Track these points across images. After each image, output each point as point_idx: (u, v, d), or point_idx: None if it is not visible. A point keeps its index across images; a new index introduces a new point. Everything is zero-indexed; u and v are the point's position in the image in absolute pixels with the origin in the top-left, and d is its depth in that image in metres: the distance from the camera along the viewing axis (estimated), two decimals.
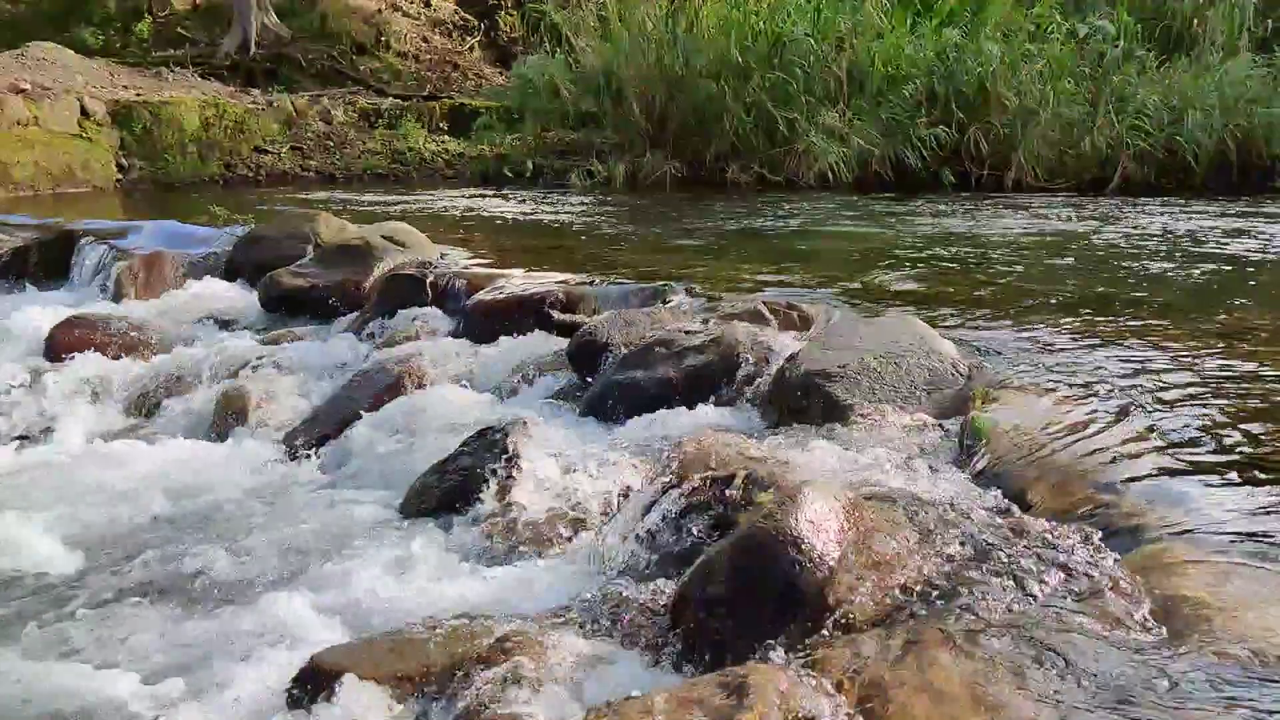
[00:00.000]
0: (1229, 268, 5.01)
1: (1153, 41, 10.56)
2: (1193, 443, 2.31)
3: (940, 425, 2.68)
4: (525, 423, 2.94)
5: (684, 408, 3.09)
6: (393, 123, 12.39)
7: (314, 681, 1.80)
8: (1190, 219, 6.94)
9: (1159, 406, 2.56)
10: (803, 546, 1.78)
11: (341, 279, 4.97)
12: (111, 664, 2.14)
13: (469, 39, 15.56)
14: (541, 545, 2.46)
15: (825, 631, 1.70)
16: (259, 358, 4.32)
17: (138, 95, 12.04)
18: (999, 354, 3.23)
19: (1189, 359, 3.05)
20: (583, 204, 8.69)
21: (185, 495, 3.13)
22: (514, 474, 2.73)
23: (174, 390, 4.12)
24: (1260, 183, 9.01)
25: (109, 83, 12.36)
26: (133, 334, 4.62)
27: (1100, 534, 1.92)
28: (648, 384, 3.22)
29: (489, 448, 2.84)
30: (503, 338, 4.01)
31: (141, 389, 4.18)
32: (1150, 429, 2.40)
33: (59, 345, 4.52)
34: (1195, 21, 10.68)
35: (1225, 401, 2.60)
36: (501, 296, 4.33)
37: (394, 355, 3.94)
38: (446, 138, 12.32)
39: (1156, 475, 2.15)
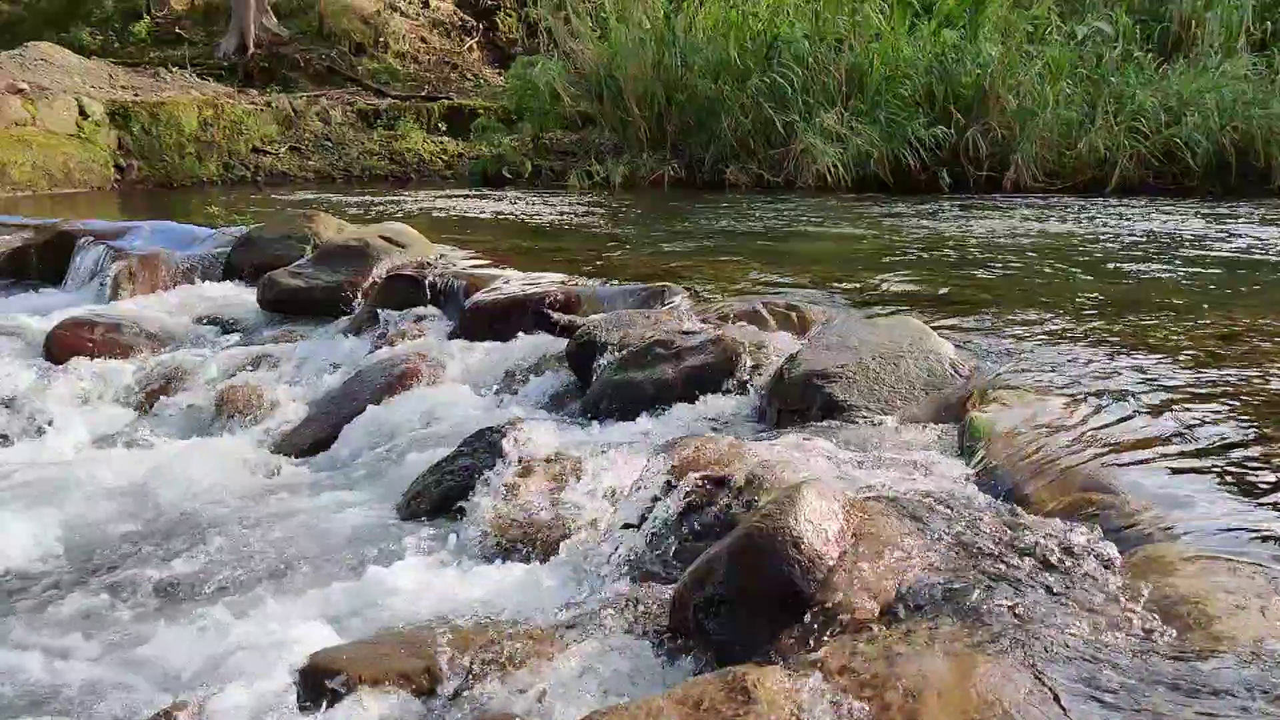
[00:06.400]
0: (1227, 269, 5.02)
1: (1151, 43, 10.57)
2: (1192, 442, 2.31)
3: (939, 425, 2.68)
4: (523, 423, 2.94)
5: (683, 408, 3.09)
6: (391, 123, 12.40)
7: (313, 681, 1.80)
8: (1188, 220, 6.94)
9: (1158, 406, 2.56)
10: (802, 546, 1.78)
11: (340, 279, 4.97)
12: (109, 664, 2.14)
13: (468, 39, 15.56)
14: (540, 546, 2.46)
15: (825, 631, 1.70)
16: (257, 358, 4.33)
17: (136, 96, 12.04)
18: (997, 354, 3.23)
19: (1188, 359, 3.05)
20: (581, 205, 8.69)
21: (183, 495, 3.13)
22: (512, 475, 2.73)
23: (172, 390, 4.12)
24: (1258, 184, 9.02)
25: (107, 83, 12.36)
26: (130, 334, 4.62)
27: (1100, 533, 1.92)
28: (646, 384, 3.22)
29: (487, 448, 2.84)
30: (501, 338, 4.01)
31: (139, 389, 4.18)
32: (1149, 429, 2.40)
33: (57, 345, 4.52)
34: (1194, 23, 10.69)
35: (1224, 401, 2.61)
36: (500, 297, 4.32)
37: (392, 356, 3.94)
38: (445, 138, 12.32)
39: (1156, 475, 2.15)
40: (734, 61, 10.27)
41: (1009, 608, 1.68)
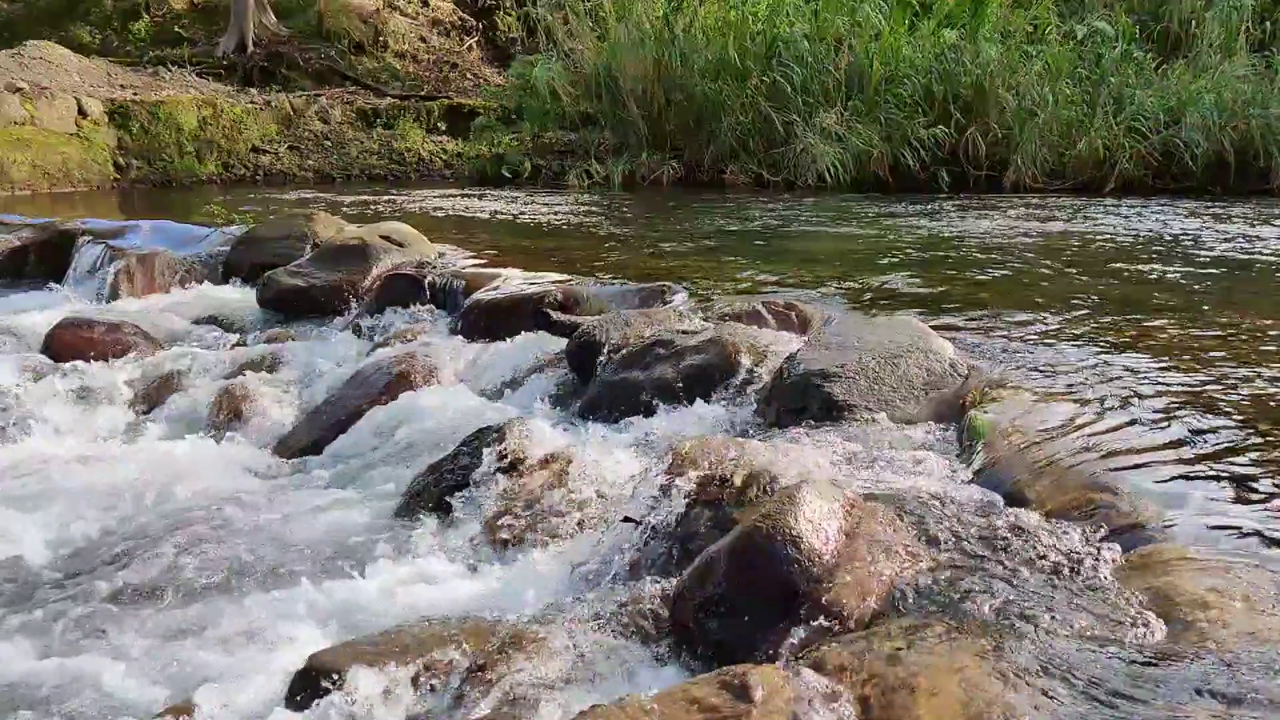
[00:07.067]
0: (1226, 269, 5.02)
1: (1151, 43, 10.57)
2: (1191, 442, 2.31)
3: (938, 425, 2.68)
4: (523, 423, 2.94)
5: (682, 408, 3.09)
6: (390, 123, 12.38)
7: (313, 681, 1.80)
8: (1187, 220, 6.94)
9: (1157, 406, 2.56)
10: (801, 546, 1.78)
11: (339, 279, 4.97)
12: (108, 665, 2.13)
13: (467, 39, 15.54)
14: (539, 545, 2.46)
15: (824, 630, 1.70)
16: (256, 358, 4.32)
17: (135, 95, 12.02)
18: (997, 355, 3.23)
19: (1187, 359, 3.05)
20: (581, 204, 8.69)
21: (183, 495, 3.13)
22: (511, 474, 2.73)
23: (171, 390, 4.12)
24: (1258, 184, 9.02)
25: (106, 82, 12.34)
26: (130, 334, 4.61)
27: (1098, 533, 1.92)
28: (646, 384, 3.22)
29: (486, 448, 2.84)
30: (501, 338, 4.01)
31: (139, 389, 4.17)
32: (1148, 429, 2.40)
33: (57, 345, 4.52)
34: (1193, 23, 10.69)
35: (1223, 401, 2.61)
36: (500, 296, 4.32)
37: (392, 355, 3.94)
38: (444, 138, 12.31)
39: (1154, 474, 2.15)
40: (734, 61, 10.26)
41: (1007, 607, 1.68)
